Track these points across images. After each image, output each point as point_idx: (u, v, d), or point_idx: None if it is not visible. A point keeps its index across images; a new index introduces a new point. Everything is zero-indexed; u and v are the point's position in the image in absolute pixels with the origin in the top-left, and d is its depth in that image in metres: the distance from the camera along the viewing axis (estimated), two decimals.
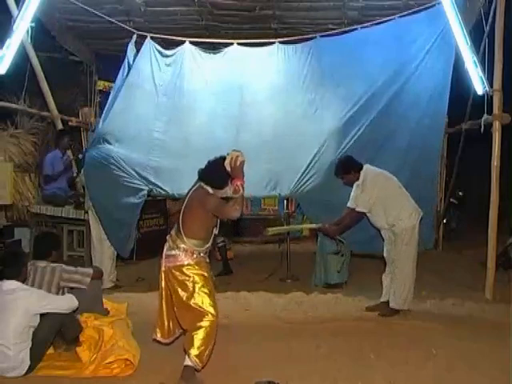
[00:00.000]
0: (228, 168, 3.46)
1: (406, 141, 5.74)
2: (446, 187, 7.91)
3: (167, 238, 3.59)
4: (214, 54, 6.46)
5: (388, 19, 5.90)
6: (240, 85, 6.26)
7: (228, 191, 3.51)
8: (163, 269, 3.54)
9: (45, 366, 3.63)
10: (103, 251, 5.89)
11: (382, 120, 5.78)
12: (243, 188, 3.43)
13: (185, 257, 3.46)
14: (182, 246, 3.47)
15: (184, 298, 3.41)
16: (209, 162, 3.57)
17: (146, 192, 5.99)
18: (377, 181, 4.86)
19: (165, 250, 3.54)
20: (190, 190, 3.59)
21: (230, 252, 7.15)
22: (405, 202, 4.85)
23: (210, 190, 3.49)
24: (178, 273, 3.45)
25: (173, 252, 3.49)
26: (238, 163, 3.45)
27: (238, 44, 6.32)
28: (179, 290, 3.43)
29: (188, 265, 3.45)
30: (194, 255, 3.47)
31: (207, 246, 3.57)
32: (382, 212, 4.84)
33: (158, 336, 3.65)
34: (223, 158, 3.51)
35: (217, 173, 3.50)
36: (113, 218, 5.86)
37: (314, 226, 5.66)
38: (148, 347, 3.79)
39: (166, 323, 3.62)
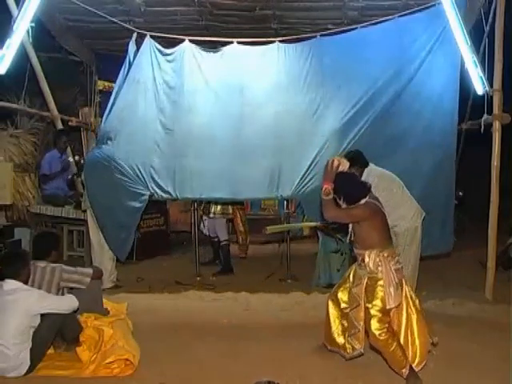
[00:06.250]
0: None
1: (412, 141, 5.69)
2: None
3: (393, 252, 3.59)
4: (214, 52, 6.44)
5: (389, 18, 5.89)
6: (240, 84, 6.22)
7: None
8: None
9: (45, 366, 3.63)
10: (103, 252, 5.88)
11: (383, 120, 5.74)
12: (327, 192, 3.57)
13: None
14: None
15: None
16: None
17: (147, 197, 5.97)
18: (379, 181, 4.85)
19: (398, 264, 3.56)
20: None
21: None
22: (407, 203, 4.84)
23: None
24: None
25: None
26: (333, 168, 3.58)
27: (238, 43, 6.31)
28: None
29: None
30: None
31: None
32: None
33: None
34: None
35: None
36: (112, 220, 5.85)
37: (313, 223, 5.66)
38: (148, 347, 3.80)
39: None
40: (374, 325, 3.40)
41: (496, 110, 5.32)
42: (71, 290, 4.06)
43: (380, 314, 3.41)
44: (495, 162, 5.30)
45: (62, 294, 3.99)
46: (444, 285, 5.91)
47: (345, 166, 3.64)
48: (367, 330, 3.50)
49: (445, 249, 5.72)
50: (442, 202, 5.59)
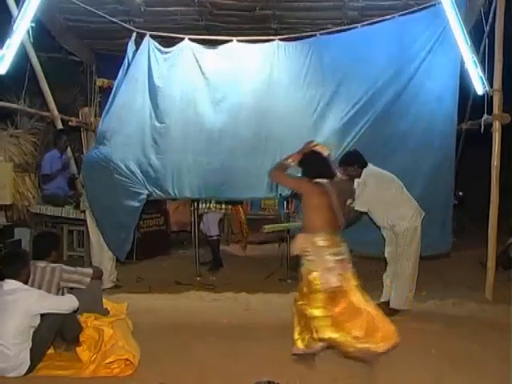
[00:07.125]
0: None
1: (412, 141, 5.68)
2: None
3: (330, 240, 3.50)
4: (213, 50, 6.42)
5: (389, 17, 5.89)
6: (239, 82, 6.21)
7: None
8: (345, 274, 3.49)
9: (45, 366, 3.63)
10: (103, 252, 5.88)
11: (383, 120, 5.74)
12: (289, 158, 3.69)
13: None
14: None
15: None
16: None
17: (145, 196, 5.96)
18: (378, 181, 4.86)
19: (339, 255, 3.48)
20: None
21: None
22: (407, 203, 4.85)
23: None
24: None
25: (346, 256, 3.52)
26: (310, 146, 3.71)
27: (238, 41, 6.30)
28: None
29: None
30: None
31: None
32: (382, 212, 4.85)
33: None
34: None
35: None
36: (111, 221, 5.83)
37: None
38: (148, 347, 3.80)
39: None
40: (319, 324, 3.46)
41: (496, 109, 5.33)
42: (71, 290, 4.06)
43: (320, 313, 3.45)
44: (495, 162, 5.30)
45: (62, 294, 3.99)
46: (444, 285, 5.92)
47: (323, 151, 3.66)
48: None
49: (444, 249, 5.73)
50: (441, 202, 5.60)
